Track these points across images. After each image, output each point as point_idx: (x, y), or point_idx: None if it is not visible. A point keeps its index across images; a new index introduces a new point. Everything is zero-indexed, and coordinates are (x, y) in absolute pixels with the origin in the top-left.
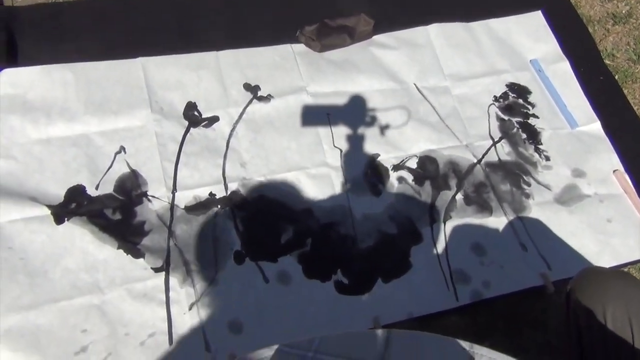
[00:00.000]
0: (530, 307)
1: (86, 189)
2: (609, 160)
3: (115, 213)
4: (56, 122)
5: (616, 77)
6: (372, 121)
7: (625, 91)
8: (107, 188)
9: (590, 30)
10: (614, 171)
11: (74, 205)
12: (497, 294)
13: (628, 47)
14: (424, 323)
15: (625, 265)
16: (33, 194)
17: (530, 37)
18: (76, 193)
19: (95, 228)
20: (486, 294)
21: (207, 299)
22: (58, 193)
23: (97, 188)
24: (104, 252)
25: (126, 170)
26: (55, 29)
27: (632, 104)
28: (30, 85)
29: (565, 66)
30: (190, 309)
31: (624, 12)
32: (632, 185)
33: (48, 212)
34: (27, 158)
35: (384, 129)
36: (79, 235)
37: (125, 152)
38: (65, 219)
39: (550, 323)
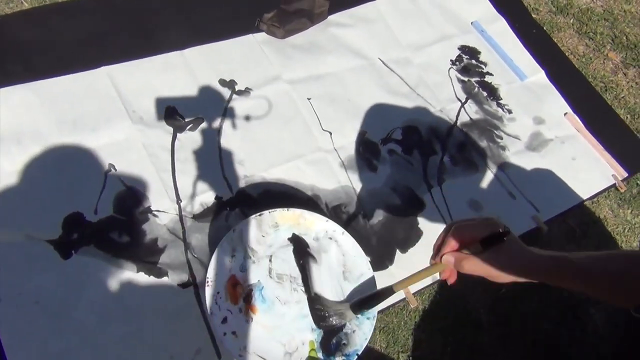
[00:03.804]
0: None
1: (84, 215)
2: (558, 105)
3: (122, 235)
4: (30, 150)
5: (544, 28)
6: (351, 99)
7: (555, 40)
8: (107, 211)
9: None
10: (564, 114)
11: (76, 236)
12: None
13: (547, 0)
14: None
15: (597, 195)
16: (27, 231)
17: (465, 1)
18: (75, 222)
19: (108, 255)
20: None
21: None
22: (54, 224)
23: (96, 212)
24: (125, 278)
25: (122, 188)
26: None
27: (563, 51)
28: None
29: (503, 24)
30: None
31: None
32: (582, 124)
33: (51, 247)
34: (8, 194)
35: (364, 105)
36: (92, 266)
37: (115, 170)
38: (73, 251)
39: None
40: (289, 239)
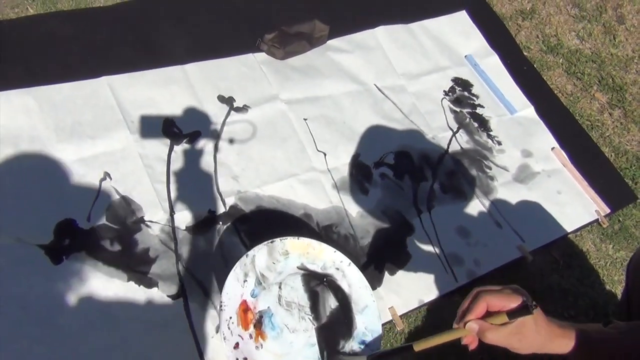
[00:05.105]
0: (515, 276)
1: (77, 222)
2: (546, 139)
3: (113, 244)
4: (27, 154)
5: (535, 66)
6: (347, 122)
7: (544, 78)
8: (100, 218)
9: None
10: (552, 149)
11: (67, 242)
12: (488, 270)
13: (538, 39)
14: (432, 306)
15: (580, 229)
16: (18, 235)
17: (460, 35)
18: (67, 228)
19: (99, 262)
20: (479, 272)
21: None
22: (46, 230)
23: (88, 219)
24: (114, 287)
25: (116, 197)
26: None
27: (551, 89)
28: None
29: (495, 59)
30: (217, 331)
31: (528, 8)
32: (568, 160)
33: (41, 252)
34: (1, 196)
35: (358, 129)
36: (82, 273)
37: (110, 178)
38: (63, 257)
39: (535, 288)
40: (298, 267)
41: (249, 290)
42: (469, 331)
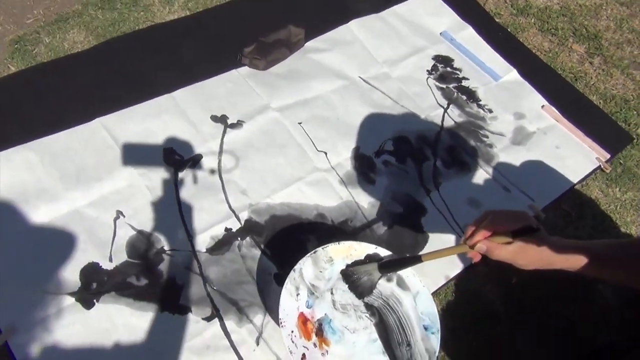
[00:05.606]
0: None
1: (100, 264)
2: (534, 99)
3: (140, 279)
4: (38, 207)
5: (509, 30)
6: (340, 118)
7: (521, 39)
8: (121, 257)
9: None
10: (542, 107)
11: (95, 285)
12: None
13: (506, 4)
14: (459, 279)
15: (585, 178)
16: (47, 288)
17: (432, 14)
18: (92, 272)
19: (129, 299)
20: None
21: (270, 328)
22: (72, 277)
23: (110, 260)
24: (150, 319)
25: (132, 233)
26: None
27: (529, 49)
28: None
29: (470, 31)
30: (257, 344)
31: None
32: (560, 114)
33: (72, 300)
34: (23, 254)
35: (352, 122)
36: (115, 312)
37: (124, 216)
38: (95, 301)
39: None
40: (341, 272)
41: (303, 302)
42: (476, 249)
